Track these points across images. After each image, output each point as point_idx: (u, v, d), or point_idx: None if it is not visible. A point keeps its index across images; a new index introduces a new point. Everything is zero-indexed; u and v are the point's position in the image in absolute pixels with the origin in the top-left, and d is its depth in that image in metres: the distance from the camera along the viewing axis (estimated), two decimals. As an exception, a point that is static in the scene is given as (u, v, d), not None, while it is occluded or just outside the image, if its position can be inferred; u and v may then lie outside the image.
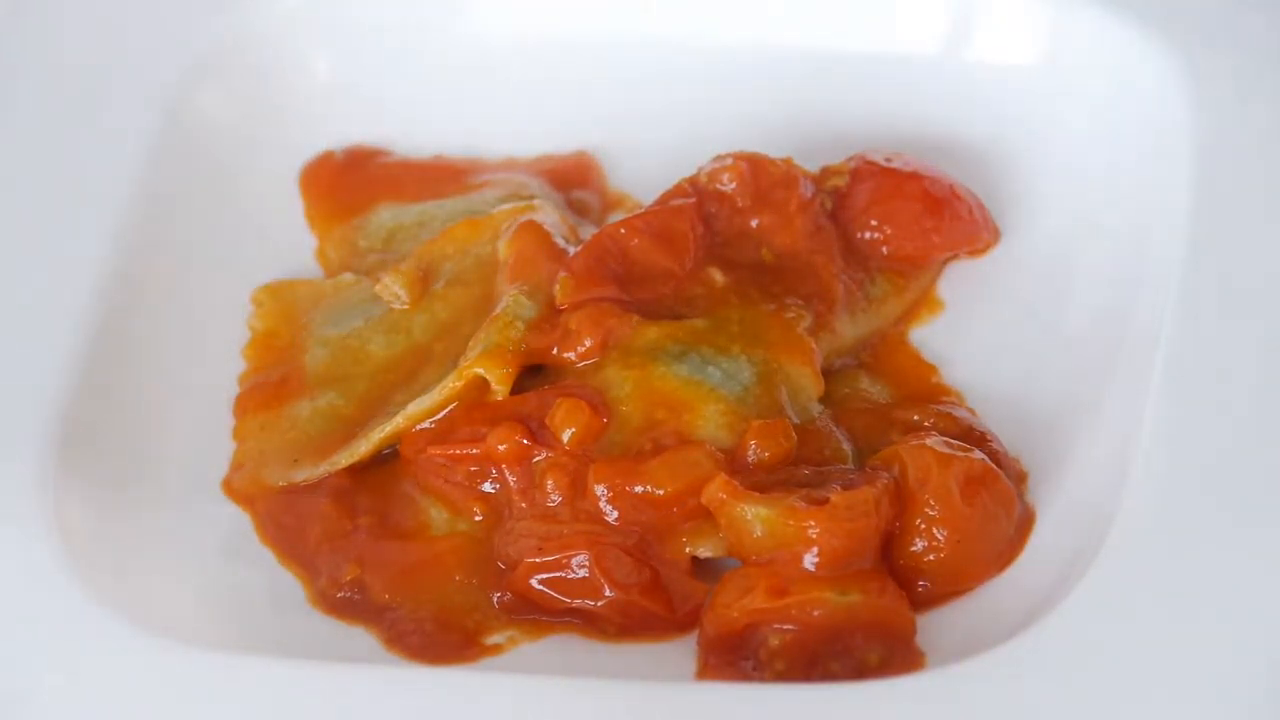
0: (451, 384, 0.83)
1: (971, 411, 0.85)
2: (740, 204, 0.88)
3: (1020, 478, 0.82)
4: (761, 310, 0.85)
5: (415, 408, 0.83)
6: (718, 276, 0.86)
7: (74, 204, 0.89)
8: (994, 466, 0.80)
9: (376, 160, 0.98)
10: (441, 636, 0.78)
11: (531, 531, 0.79)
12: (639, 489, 0.79)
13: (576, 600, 0.78)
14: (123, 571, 0.79)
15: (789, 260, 0.87)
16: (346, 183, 0.96)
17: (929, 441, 0.79)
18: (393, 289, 0.89)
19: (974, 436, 0.82)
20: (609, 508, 0.79)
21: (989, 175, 0.94)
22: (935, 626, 0.77)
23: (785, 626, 0.75)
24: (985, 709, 0.71)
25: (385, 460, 0.84)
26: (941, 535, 0.78)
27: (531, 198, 0.92)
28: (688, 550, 0.79)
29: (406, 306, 0.89)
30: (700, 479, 0.78)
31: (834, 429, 0.83)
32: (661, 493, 0.78)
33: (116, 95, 0.94)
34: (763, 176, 0.88)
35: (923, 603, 0.78)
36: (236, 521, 0.83)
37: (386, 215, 0.95)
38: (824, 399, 0.84)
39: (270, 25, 0.99)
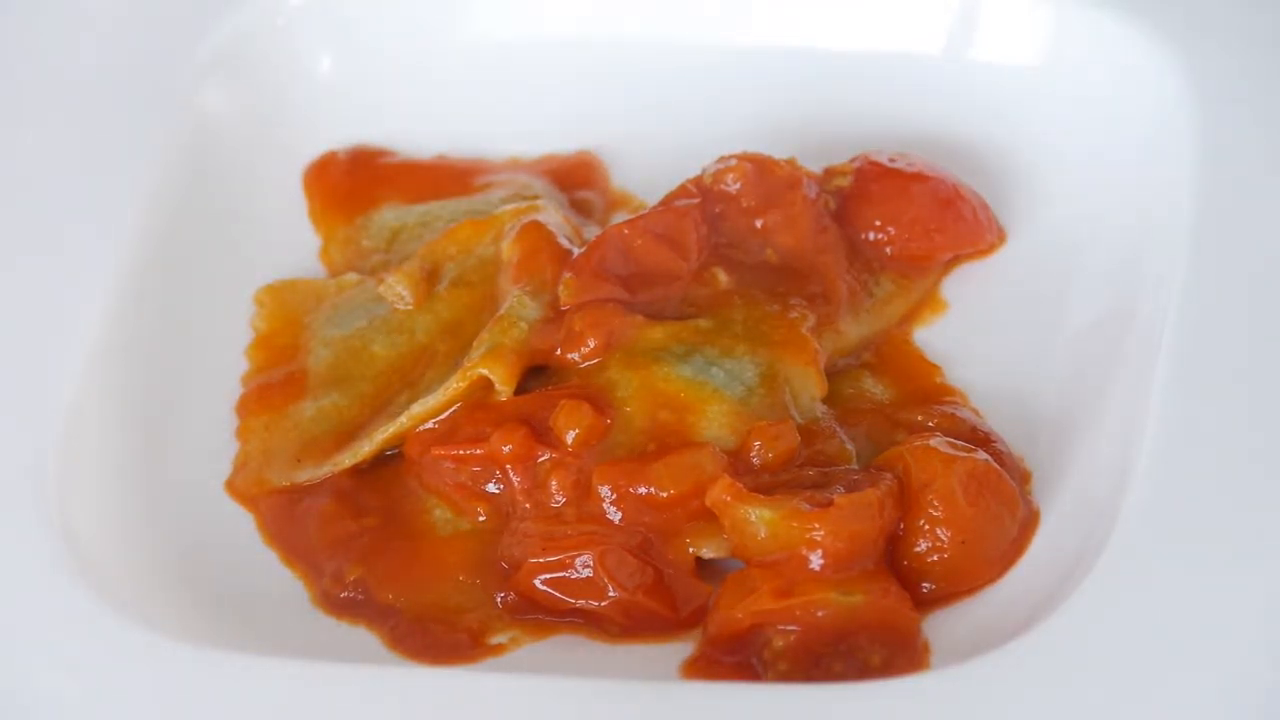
0: (455, 384, 0.83)
1: (975, 412, 0.85)
2: (745, 204, 0.88)
3: (1024, 478, 0.82)
4: (765, 310, 0.85)
5: (419, 408, 0.83)
6: (722, 277, 0.86)
7: (78, 204, 0.89)
8: (997, 467, 0.79)
9: (380, 160, 0.97)
10: (444, 637, 0.78)
11: (535, 532, 0.79)
12: (643, 490, 0.79)
13: (580, 600, 0.78)
14: (126, 571, 0.79)
15: (793, 260, 0.87)
16: (350, 183, 0.96)
17: (933, 442, 0.79)
18: (396, 289, 0.89)
19: (978, 437, 0.82)
20: (613, 509, 0.79)
21: (993, 175, 0.94)
22: (939, 627, 0.77)
23: (789, 627, 0.75)
24: (988, 709, 0.71)
25: (389, 461, 0.84)
26: (945, 536, 0.78)
27: (535, 198, 0.92)
28: (691, 551, 0.79)
29: (410, 307, 0.89)
30: (704, 481, 0.78)
31: (837, 429, 0.83)
32: (665, 494, 0.78)
33: (121, 96, 0.94)
34: (767, 177, 0.88)
35: (926, 603, 0.78)
36: (240, 521, 0.83)
37: (390, 215, 0.95)
38: (828, 399, 0.84)
39: (274, 26, 0.99)
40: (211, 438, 0.86)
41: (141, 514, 0.82)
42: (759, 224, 0.88)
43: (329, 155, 0.97)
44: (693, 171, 0.89)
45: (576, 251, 0.86)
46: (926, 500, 0.78)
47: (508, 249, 0.87)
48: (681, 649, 0.77)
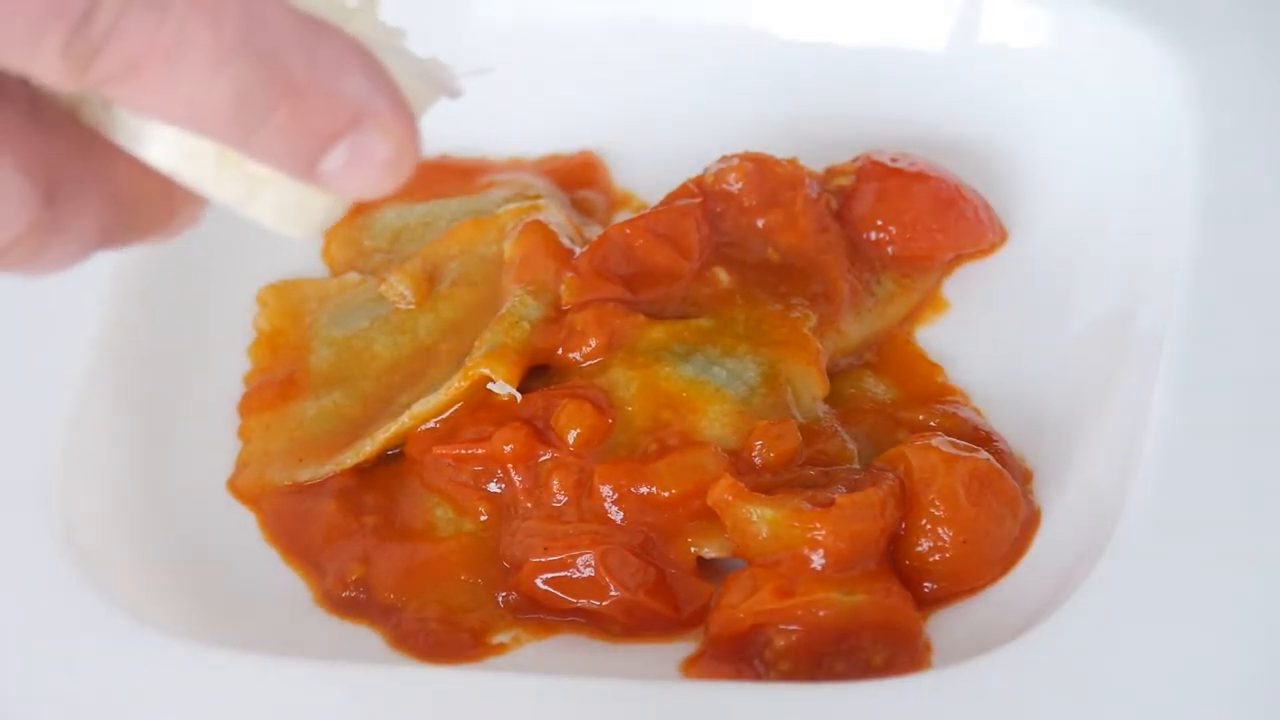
0: (457, 384, 0.83)
1: (977, 411, 0.85)
2: (746, 204, 0.88)
3: (1025, 478, 0.82)
4: (767, 310, 0.85)
5: (421, 408, 0.83)
6: (723, 276, 0.86)
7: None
8: (999, 467, 0.79)
9: (382, 160, 0.97)
10: (446, 636, 0.78)
11: (537, 531, 0.79)
12: (644, 490, 0.78)
13: (582, 600, 0.78)
14: (128, 569, 0.79)
15: (795, 260, 0.87)
16: (352, 182, 0.96)
17: (934, 442, 0.79)
18: (398, 289, 0.89)
19: (979, 436, 0.82)
20: (614, 508, 0.79)
21: (995, 175, 0.94)
22: (940, 627, 0.77)
23: (791, 627, 0.75)
24: (990, 709, 0.71)
25: (391, 460, 0.84)
26: (947, 536, 0.77)
27: (537, 198, 0.92)
28: (693, 550, 0.79)
29: (412, 306, 0.89)
30: (705, 480, 0.78)
31: (839, 429, 0.83)
32: (667, 494, 0.78)
33: (122, 95, 0.94)
34: (769, 176, 0.88)
35: (928, 603, 0.78)
36: (242, 521, 0.83)
37: (392, 215, 0.95)
38: (829, 399, 0.84)
39: (276, 25, 0.98)
40: (214, 437, 0.86)
41: (143, 513, 0.82)
42: (760, 223, 0.88)
43: (331, 155, 0.97)
44: (694, 171, 0.89)
45: (578, 251, 0.86)
46: (928, 500, 0.78)
47: (510, 248, 0.87)
48: (683, 648, 0.77)
